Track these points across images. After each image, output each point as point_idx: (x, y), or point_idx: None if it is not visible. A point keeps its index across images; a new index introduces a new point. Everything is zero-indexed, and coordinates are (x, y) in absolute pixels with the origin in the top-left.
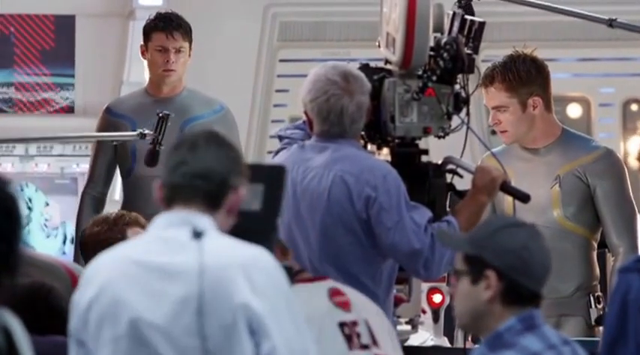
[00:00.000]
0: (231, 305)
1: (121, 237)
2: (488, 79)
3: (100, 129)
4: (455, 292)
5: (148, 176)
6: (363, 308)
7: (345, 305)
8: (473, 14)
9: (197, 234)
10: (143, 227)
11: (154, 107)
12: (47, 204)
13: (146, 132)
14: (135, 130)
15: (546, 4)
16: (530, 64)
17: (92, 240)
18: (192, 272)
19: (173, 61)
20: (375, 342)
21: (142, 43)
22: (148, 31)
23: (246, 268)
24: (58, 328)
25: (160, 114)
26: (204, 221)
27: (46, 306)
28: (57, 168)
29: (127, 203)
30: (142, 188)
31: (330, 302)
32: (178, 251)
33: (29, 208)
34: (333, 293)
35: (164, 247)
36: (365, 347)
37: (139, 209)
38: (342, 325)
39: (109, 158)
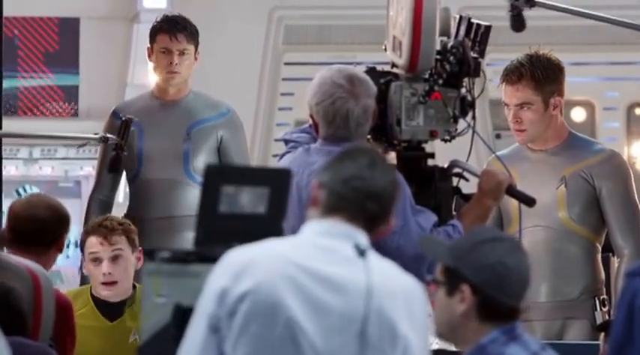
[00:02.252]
0: (394, 333)
1: (82, 245)
2: (516, 76)
3: (107, 132)
4: (434, 300)
5: (154, 179)
6: None
7: None
8: (524, 25)
9: (361, 252)
10: (103, 236)
11: (160, 110)
12: None
13: (109, 136)
14: (141, 133)
15: (583, 10)
16: (554, 64)
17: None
18: (360, 290)
19: (177, 62)
20: None
21: (148, 45)
22: (153, 33)
23: (408, 298)
24: (18, 328)
25: (124, 118)
26: (365, 240)
27: (5, 307)
28: (61, 171)
29: (133, 206)
30: (148, 191)
31: None
32: (344, 264)
33: None
34: None
35: (327, 257)
36: None
37: (145, 212)
38: None
39: None
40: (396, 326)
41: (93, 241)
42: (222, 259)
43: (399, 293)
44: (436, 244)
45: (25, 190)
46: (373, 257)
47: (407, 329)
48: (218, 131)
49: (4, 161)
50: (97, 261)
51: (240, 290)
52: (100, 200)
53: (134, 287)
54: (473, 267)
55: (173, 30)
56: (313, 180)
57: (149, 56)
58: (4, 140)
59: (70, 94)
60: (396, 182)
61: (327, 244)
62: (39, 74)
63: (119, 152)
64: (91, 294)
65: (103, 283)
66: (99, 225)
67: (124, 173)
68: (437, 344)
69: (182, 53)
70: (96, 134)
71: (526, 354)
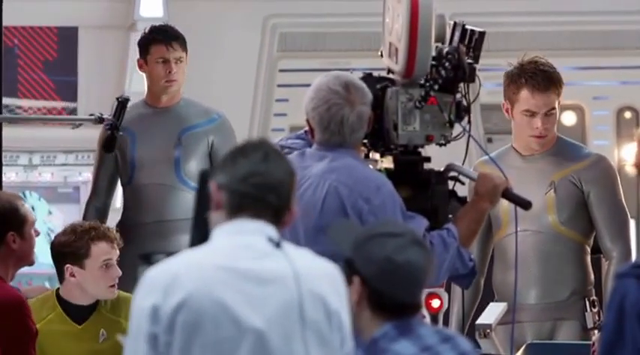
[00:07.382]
0: (327, 309)
1: (85, 251)
2: (545, 82)
3: (101, 140)
4: None
5: (147, 184)
6: None
7: None
8: None
9: (276, 244)
10: (111, 241)
11: (153, 118)
12: (50, 213)
13: (104, 116)
14: (134, 140)
15: None
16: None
17: (58, 248)
18: (288, 278)
19: (175, 71)
20: None
21: (138, 56)
22: (147, 44)
23: (332, 279)
24: None
25: (120, 99)
26: (274, 232)
27: None
28: (60, 177)
29: (127, 210)
30: (141, 196)
31: None
32: (265, 257)
33: None
34: None
35: (247, 253)
36: None
37: (139, 216)
38: None
39: (110, 169)
40: (328, 302)
41: (105, 247)
42: (143, 278)
43: (323, 275)
44: (345, 232)
45: (25, 197)
46: (288, 247)
47: (337, 306)
48: (209, 136)
49: (4, 168)
50: (108, 265)
51: (172, 304)
52: (97, 207)
53: None
54: (362, 260)
55: (168, 39)
56: (211, 183)
57: (140, 67)
58: (4, 147)
59: (69, 101)
60: (290, 170)
61: (243, 242)
62: (38, 82)
63: (114, 131)
64: (58, 299)
65: (112, 286)
66: (104, 231)
67: (119, 179)
68: None
69: (178, 61)
70: (91, 115)
71: (414, 350)
